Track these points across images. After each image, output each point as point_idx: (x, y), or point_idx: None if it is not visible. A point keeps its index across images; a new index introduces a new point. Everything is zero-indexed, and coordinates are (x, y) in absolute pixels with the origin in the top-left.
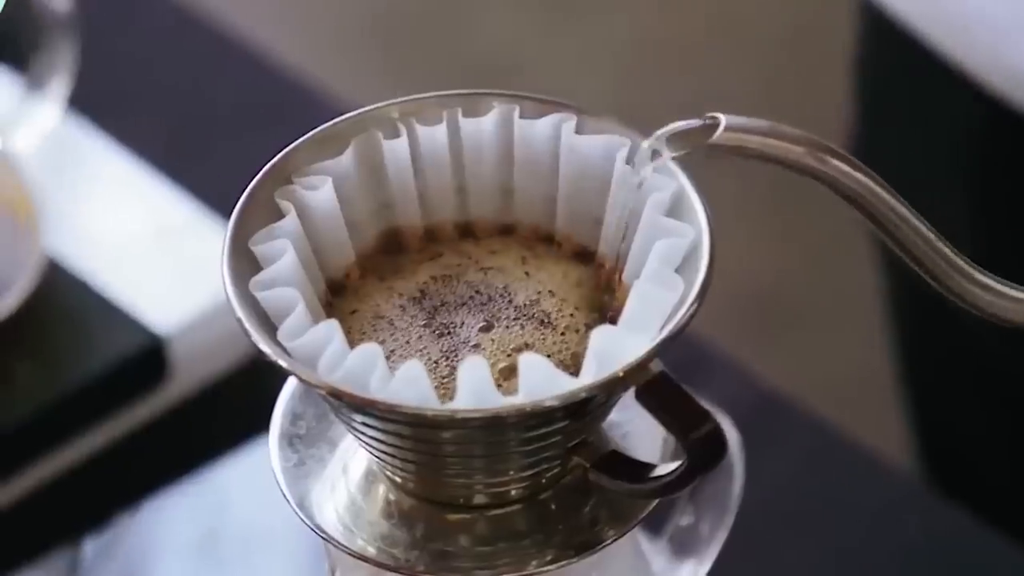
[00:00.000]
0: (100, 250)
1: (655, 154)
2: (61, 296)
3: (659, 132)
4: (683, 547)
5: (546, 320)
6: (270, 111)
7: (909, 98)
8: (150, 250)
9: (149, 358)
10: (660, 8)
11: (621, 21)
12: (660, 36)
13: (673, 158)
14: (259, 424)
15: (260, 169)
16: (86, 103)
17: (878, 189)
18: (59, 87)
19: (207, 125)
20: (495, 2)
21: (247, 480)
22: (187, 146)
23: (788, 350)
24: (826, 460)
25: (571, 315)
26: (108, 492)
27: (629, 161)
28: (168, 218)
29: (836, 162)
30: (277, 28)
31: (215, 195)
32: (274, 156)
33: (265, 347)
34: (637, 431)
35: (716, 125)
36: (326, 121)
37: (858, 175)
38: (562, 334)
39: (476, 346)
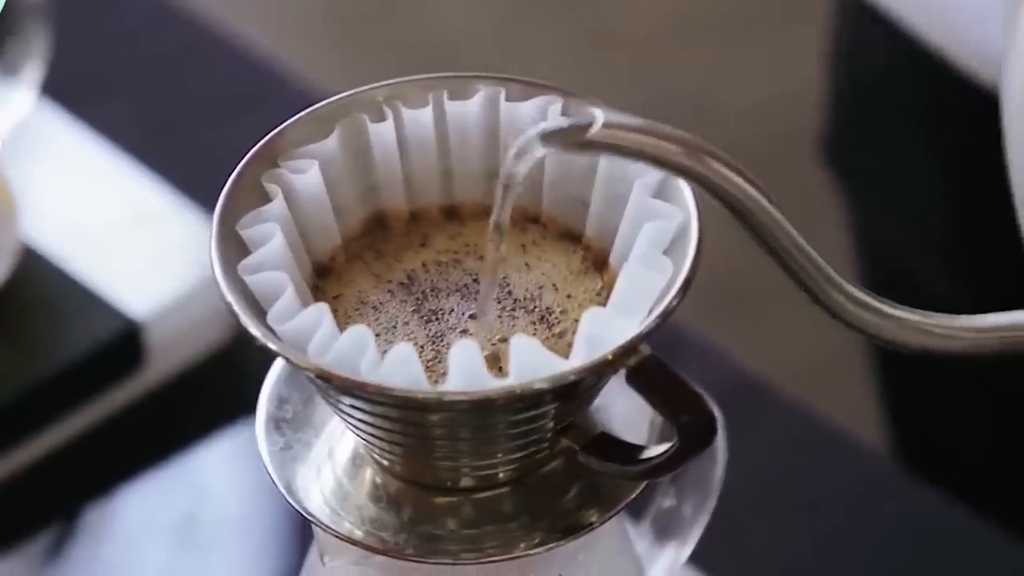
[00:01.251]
0: (75, 236)
1: (528, 154)
2: (37, 282)
3: (533, 130)
4: (665, 530)
5: (545, 317)
6: (243, 97)
7: (886, 82)
8: (125, 236)
9: (126, 343)
10: None
11: (585, 7)
12: (626, 23)
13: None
14: (237, 408)
15: (237, 154)
16: (59, 90)
17: (756, 194)
18: (33, 73)
19: (180, 111)
20: None
21: (225, 464)
22: (161, 132)
23: (753, 333)
24: (804, 443)
25: (574, 318)
26: (86, 477)
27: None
28: (143, 204)
29: (714, 163)
30: (241, 15)
31: (190, 180)
32: (251, 140)
33: (255, 330)
34: (622, 415)
35: (592, 123)
36: (301, 107)
37: (736, 179)
38: (550, 327)
39: (464, 332)
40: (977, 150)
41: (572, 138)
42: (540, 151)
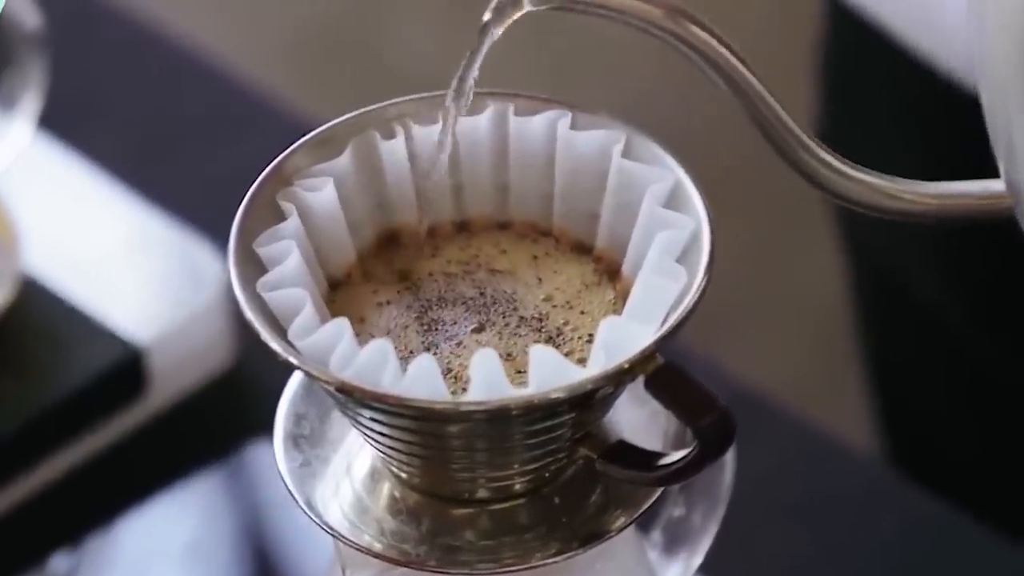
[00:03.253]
0: (74, 264)
1: (513, 7)
2: (37, 311)
3: None
4: (676, 539)
5: (553, 337)
6: (231, 122)
7: (875, 87)
8: (124, 263)
9: (128, 369)
10: None
11: (561, 25)
12: (603, 37)
13: (534, 11)
14: (241, 432)
15: (231, 177)
16: (50, 118)
17: (735, 61)
18: (31, 104)
19: (171, 137)
20: (419, 14)
21: (231, 488)
22: (153, 158)
23: (736, 350)
24: (802, 452)
25: (585, 333)
26: (90, 505)
27: (625, 154)
28: (140, 230)
29: (694, 28)
30: (221, 43)
31: (185, 205)
32: (242, 163)
33: (276, 346)
34: (634, 425)
35: None
36: (288, 131)
37: (714, 43)
38: (557, 348)
39: (460, 344)
40: (965, 153)
41: None
42: (526, 6)
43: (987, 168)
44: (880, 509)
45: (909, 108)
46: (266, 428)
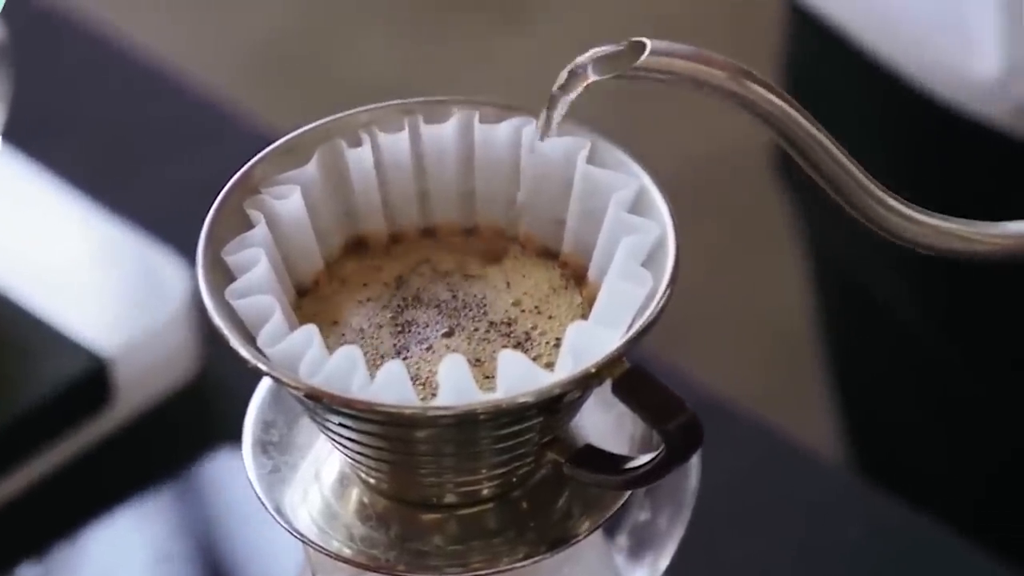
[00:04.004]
0: (39, 276)
1: (580, 77)
2: (3, 323)
3: (585, 55)
4: (641, 543)
5: (521, 343)
6: (194, 134)
7: (837, 94)
8: (88, 274)
9: (93, 380)
10: (567, 20)
11: (518, 42)
12: (569, 40)
13: (598, 80)
14: (206, 441)
15: (193, 188)
16: (15, 132)
17: (795, 114)
18: None
19: (133, 149)
20: (377, 28)
21: (198, 497)
22: (115, 170)
23: (704, 355)
24: (766, 458)
25: (553, 338)
26: (57, 514)
27: (590, 160)
28: (104, 241)
29: (756, 87)
30: (180, 57)
31: (148, 217)
32: (204, 174)
33: (246, 353)
34: (601, 430)
35: (642, 49)
36: (249, 142)
37: (777, 100)
38: (526, 352)
39: (429, 348)
40: (928, 160)
41: (623, 63)
42: (592, 76)
43: (949, 169)
44: (845, 514)
45: (871, 111)
46: (232, 437)
